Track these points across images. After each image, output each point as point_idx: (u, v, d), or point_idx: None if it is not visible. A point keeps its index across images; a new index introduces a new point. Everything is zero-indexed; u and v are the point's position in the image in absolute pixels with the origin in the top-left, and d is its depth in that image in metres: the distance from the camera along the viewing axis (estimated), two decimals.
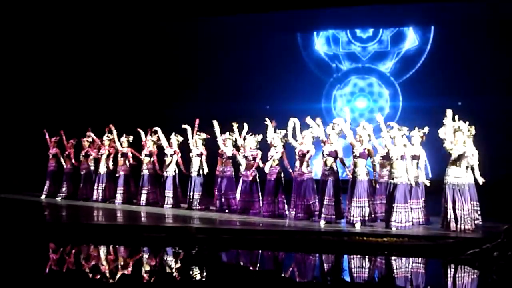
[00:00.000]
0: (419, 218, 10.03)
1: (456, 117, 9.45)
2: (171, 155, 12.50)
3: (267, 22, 16.00)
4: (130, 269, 7.78)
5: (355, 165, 9.94)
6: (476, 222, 9.48)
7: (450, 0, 14.73)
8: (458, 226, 9.16)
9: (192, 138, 12.15)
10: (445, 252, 8.16)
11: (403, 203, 9.42)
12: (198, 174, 12.17)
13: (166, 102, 16.53)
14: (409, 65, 15.77)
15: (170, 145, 12.54)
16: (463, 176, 9.32)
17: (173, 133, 12.58)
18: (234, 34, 16.09)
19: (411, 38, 15.80)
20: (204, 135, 12.19)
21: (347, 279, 7.03)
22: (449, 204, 9.24)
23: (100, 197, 13.43)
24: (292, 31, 16.41)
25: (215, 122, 11.82)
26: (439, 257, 8.19)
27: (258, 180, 11.49)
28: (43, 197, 14.21)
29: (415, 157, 9.87)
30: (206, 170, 12.19)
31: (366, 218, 9.84)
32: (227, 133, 11.89)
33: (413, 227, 9.58)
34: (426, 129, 10.02)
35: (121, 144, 13.18)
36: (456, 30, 14.94)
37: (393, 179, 9.51)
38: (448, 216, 9.25)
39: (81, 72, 16.82)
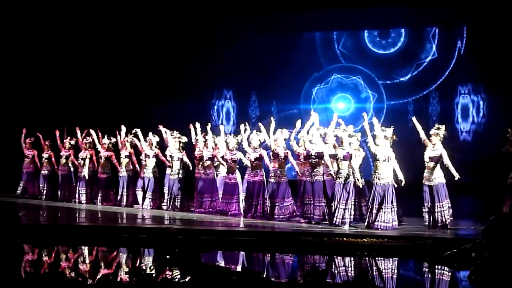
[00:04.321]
0: (400, 218, 10.13)
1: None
2: (153, 156, 12.43)
3: (254, 23, 15.94)
4: (109, 270, 7.73)
5: (339, 167, 9.93)
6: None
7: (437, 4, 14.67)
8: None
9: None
10: (424, 252, 8.24)
11: (390, 203, 9.48)
12: (178, 177, 12.11)
13: (152, 102, 16.14)
14: (395, 66, 15.68)
15: (150, 146, 12.48)
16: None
17: (150, 133, 12.50)
18: (221, 35, 15.98)
19: (398, 39, 15.66)
20: (184, 139, 12.15)
21: (327, 279, 7.05)
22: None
23: (84, 200, 13.20)
24: (276, 32, 16.27)
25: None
26: (418, 257, 8.27)
27: (240, 182, 11.49)
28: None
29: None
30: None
31: (351, 220, 9.86)
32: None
33: (395, 227, 9.63)
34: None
35: (102, 146, 13.00)
36: (448, 30, 15.03)
37: (379, 179, 9.52)
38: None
39: (56, 72, 16.44)
